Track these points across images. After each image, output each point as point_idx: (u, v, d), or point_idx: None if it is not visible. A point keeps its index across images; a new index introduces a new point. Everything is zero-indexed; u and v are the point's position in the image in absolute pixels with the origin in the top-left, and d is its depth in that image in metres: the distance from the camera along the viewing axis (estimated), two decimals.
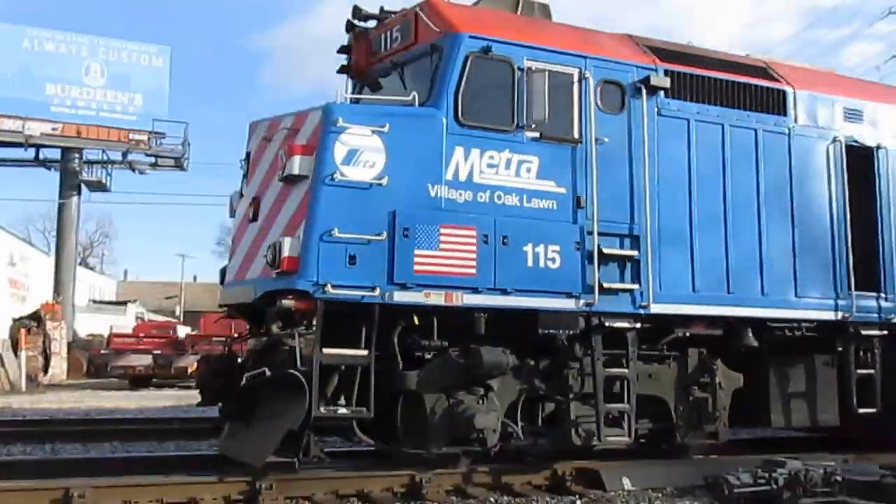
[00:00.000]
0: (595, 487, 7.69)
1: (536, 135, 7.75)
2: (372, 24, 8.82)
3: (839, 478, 7.39)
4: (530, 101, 7.58)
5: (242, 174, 8.24)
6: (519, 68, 7.77)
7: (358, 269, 6.90)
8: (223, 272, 8.33)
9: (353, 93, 8.68)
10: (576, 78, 8.03)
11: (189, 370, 24.23)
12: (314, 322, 6.84)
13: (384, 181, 7.12)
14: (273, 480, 6.85)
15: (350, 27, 8.73)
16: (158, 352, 25.65)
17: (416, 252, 7.07)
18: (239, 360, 8.09)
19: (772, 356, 8.93)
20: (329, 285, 6.75)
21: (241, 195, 8.24)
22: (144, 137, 34.36)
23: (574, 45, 8.25)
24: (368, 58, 8.64)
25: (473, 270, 7.28)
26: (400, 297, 7.01)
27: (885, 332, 9.30)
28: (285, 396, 6.64)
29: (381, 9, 8.71)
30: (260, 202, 7.68)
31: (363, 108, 7.71)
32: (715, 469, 7.78)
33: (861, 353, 9.21)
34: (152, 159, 35.65)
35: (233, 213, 8.56)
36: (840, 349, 9.20)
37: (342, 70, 8.86)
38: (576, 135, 7.95)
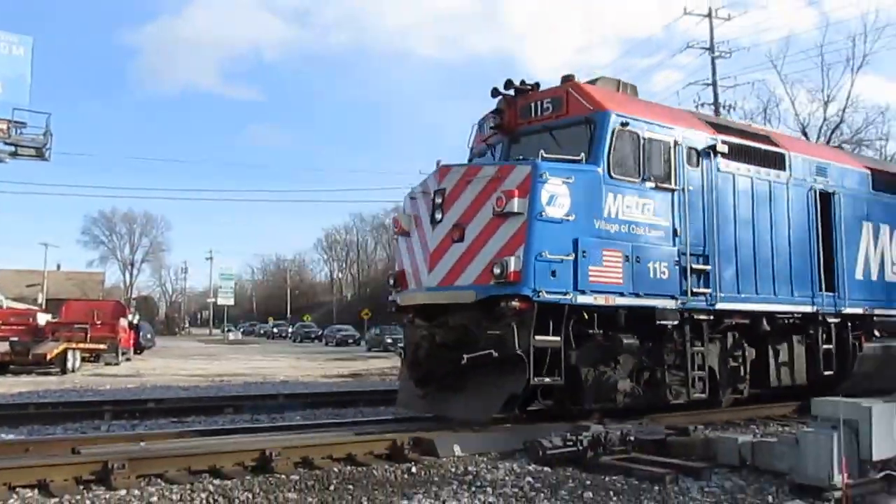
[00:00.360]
0: (430, 455, 8.53)
1: (653, 184, 10.68)
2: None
3: (632, 438, 8.57)
4: (649, 160, 10.65)
5: (437, 203, 10.31)
6: (641, 137, 10.64)
7: (556, 279, 9.49)
8: (394, 278, 11.27)
9: (496, 144, 11.59)
10: (672, 144, 11.00)
11: (48, 356, 23.88)
12: (515, 318, 9.32)
13: (571, 217, 9.74)
14: (125, 459, 7.28)
15: (496, 93, 11.32)
16: (16, 339, 25.03)
17: (590, 268, 9.76)
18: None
19: (770, 337, 12.20)
20: (543, 291, 9.33)
21: (430, 220, 10.40)
22: (4, 126, 32.96)
23: (669, 121, 11.33)
24: (517, 119, 11.22)
25: (620, 280, 10.08)
26: (581, 299, 9.70)
27: (839, 320, 13.14)
28: (510, 370, 9.25)
29: (523, 81, 11.30)
30: (464, 228, 9.94)
31: (557, 165, 9.88)
32: (533, 434, 8.77)
33: (824, 334, 12.88)
34: (12, 148, 34.24)
35: (402, 232, 11.26)
36: (811, 332, 12.78)
37: (495, 128, 11.43)
38: (674, 185, 10.90)
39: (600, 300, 9.89)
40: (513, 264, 9.31)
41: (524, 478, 7.59)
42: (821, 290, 12.86)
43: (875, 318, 13.69)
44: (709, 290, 11.09)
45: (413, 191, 11.34)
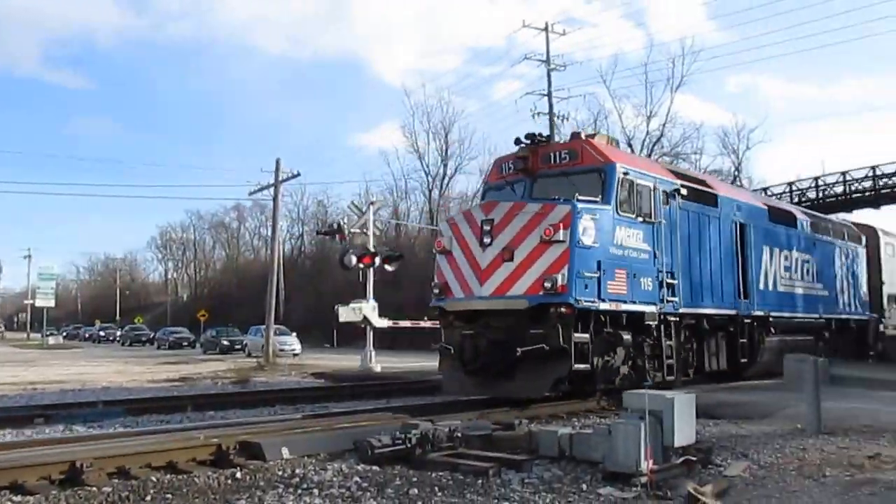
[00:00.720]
0: (257, 459, 8.36)
1: (642, 219, 13.83)
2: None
3: (459, 434, 8.77)
4: (639, 201, 13.79)
5: (486, 230, 13.03)
6: (635, 183, 13.74)
7: (588, 291, 12.46)
8: (438, 288, 13.94)
9: (515, 183, 14.40)
10: (652, 188, 14.21)
11: None
12: (562, 325, 12.26)
13: (596, 245, 12.75)
14: None
15: (519, 142, 14.24)
16: None
17: (608, 283, 12.86)
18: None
19: (706, 334, 15.75)
20: (581, 300, 12.33)
21: (475, 235, 13.20)
22: None
23: (649, 170, 14.82)
24: (539, 164, 14.07)
25: (625, 291, 13.24)
26: (602, 306, 12.76)
27: (750, 320, 17.03)
28: (555, 359, 12.18)
29: (541, 134, 14.72)
30: (514, 251, 12.70)
31: (587, 205, 12.80)
32: (363, 434, 8.80)
33: (740, 331, 16.64)
34: None
35: (444, 251, 13.92)
36: (731, 329, 16.46)
37: (519, 170, 14.26)
38: (654, 219, 14.11)
39: (613, 306, 13.01)
40: (560, 280, 12.22)
41: (352, 478, 7.60)
42: (739, 297, 16.74)
43: (771, 318, 17.85)
44: (676, 299, 14.50)
45: (452, 217, 15.43)
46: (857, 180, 35.91)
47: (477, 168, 67.35)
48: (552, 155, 14.14)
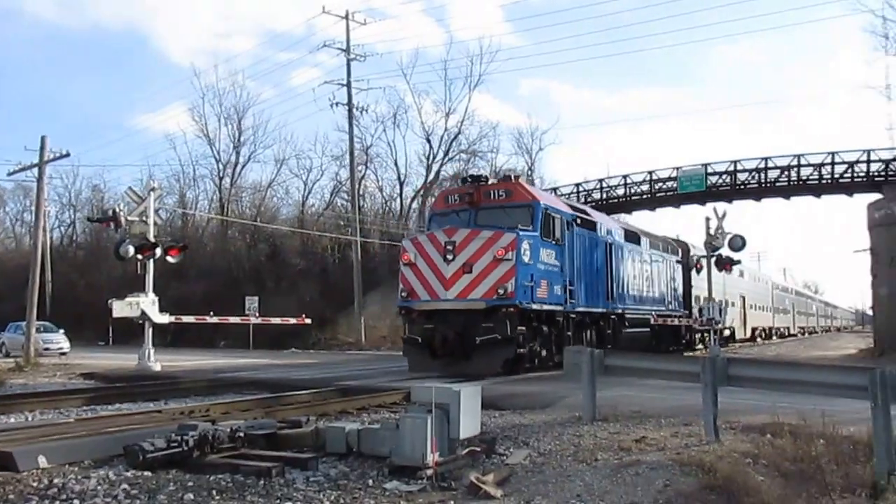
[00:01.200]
0: (8, 470, 7.51)
1: (555, 242, 18.31)
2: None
3: (242, 434, 8.38)
4: (553, 228, 18.34)
5: (449, 249, 17.11)
6: (552, 215, 18.36)
7: (527, 296, 16.78)
8: (406, 292, 17.81)
9: (460, 212, 18.45)
10: (561, 218, 18.75)
11: None
12: (509, 320, 16.51)
13: (531, 262, 17.01)
14: None
15: (465, 181, 19.21)
16: None
17: (537, 290, 17.20)
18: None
19: (588, 326, 20.49)
20: (523, 302, 16.67)
21: (439, 252, 17.24)
22: None
23: (558, 205, 19.62)
24: (481, 199, 18.13)
25: (546, 296, 17.73)
26: (534, 307, 17.17)
27: (614, 317, 22.21)
28: (503, 346, 16.21)
29: (483, 176, 19.56)
30: (472, 266, 16.85)
31: (525, 233, 17.08)
32: (135, 438, 8.18)
33: (608, 324, 21.79)
34: None
35: (409, 262, 17.81)
36: (601, 322, 21.45)
37: (465, 202, 18.21)
38: (562, 242, 18.72)
39: (539, 307, 17.68)
40: (510, 288, 16.62)
41: (119, 485, 7.01)
42: (607, 299, 21.73)
43: (626, 315, 23.15)
44: (574, 301, 19.25)
45: (416, 237, 19.32)
46: (636, 183, 38.59)
47: (272, 157, 66.04)
48: (491, 192, 18.51)
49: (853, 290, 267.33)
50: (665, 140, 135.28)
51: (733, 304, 38.01)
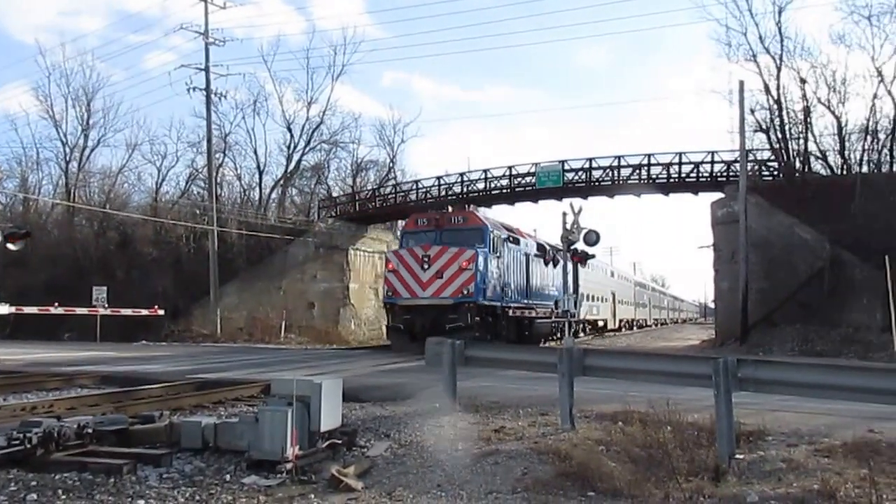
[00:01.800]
0: None
1: (497, 255, 25.16)
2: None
3: (91, 430, 7.99)
4: (495, 245, 25.34)
5: (425, 260, 23.38)
6: (495, 235, 25.52)
7: (482, 295, 23.55)
8: (391, 291, 24.22)
9: (427, 231, 25.59)
10: (500, 238, 25.92)
11: None
12: (469, 312, 23.09)
13: (483, 270, 23.71)
14: None
15: (437, 208, 28.95)
16: None
17: (487, 290, 24.01)
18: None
19: (514, 317, 26.88)
20: (480, 300, 23.45)
21: (417, 262, 23.49)
22: None
23: (499, 229, 26.53)
24: (445, 223, 25.06)
25: (492, 295, 24.63)
26: (485, 303, 23.84)
27: (529, 310, 28.69)
28: (467, 330, 21.39)
29: (449, 207, 27.38)
30: (443, 273, 23.08)
31: (480, 250, 23.64)
32: None
33: (527, 315, 28.34)
34: None
35: (392, 270, 24.20)
36: (526, 313, 28.07)
37: (433, 224, 25.38)
38: (500, 255, 25.56)
39: (489, 303, 23.86)
40: (471, 289, 22.83)
41: None
42: (526, 297, 28.50)
43: (538, 308, 29.45)
44: (507, 298, 25.85)
45: (398, 251, 25.13)
46: (496, 178, 39.22)
47: (123, 140, 62.93)
48: (452, 218, 25.53)
49: (697, 284, 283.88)
50: (524, 137, 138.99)
51: (605, 300, 45.47)
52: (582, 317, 36.88)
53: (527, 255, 29.09)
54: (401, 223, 56.82)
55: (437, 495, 6.65)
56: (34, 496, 6.38)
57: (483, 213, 31.92)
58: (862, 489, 6.22)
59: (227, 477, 7.16)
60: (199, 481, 7.02)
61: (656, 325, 69.70)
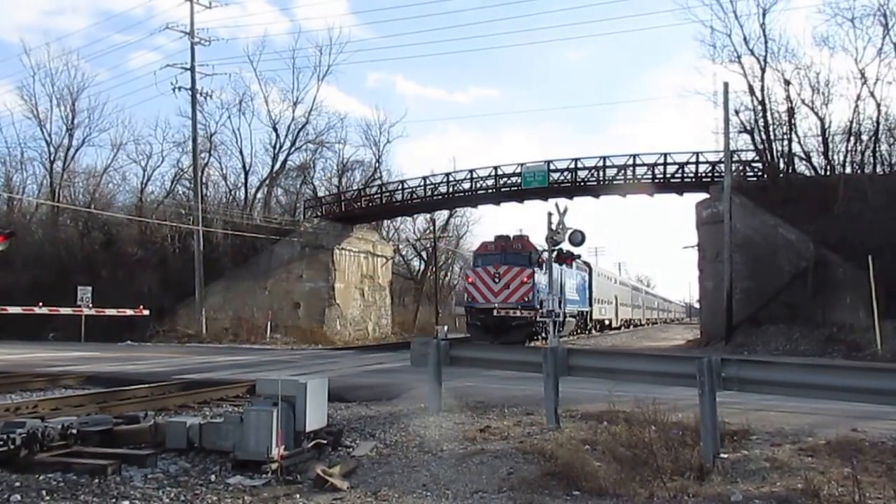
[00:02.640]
0: None
1: (543, 270, 30.62)
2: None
3: (75, 430, 7.94)
4: (541, 262, 30.84)
5: (496, 276, 31.42)
6: (542, 256, 30.16)
7: (538, 303, 31.12)
8: (471, 297, 32.53)
9: (496, 254, 32.63)
10: (546, 256, 27.88)
11: None
12: (531, 313, 31.35)
13: (537, 283, 31.30)
14: None
15: (498, 239, 33.48)
16: None
17: (541, 298, 30.95)
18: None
19: (578, 317, 41.81)
20: (536, 305, 31.16)
21: (490, 277, 31.59)
22: None
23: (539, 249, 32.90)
24: (508, 248, 32.40)
25: (548, 302, 29.54)
26: (537, 305, 31.21)
27: (564, 311, 34.36)
28: (527, 326, 31.28)
29: (507, 235, 33.46)
30: (509, 285, 31.16)
31: (535, 269, 31.38)
32: None
33: (588, 317, 45.00)
34: None
35: (472, 282, 32.68)
36: (581, 315, 43.24)
37: (498, 249, 32.56)
38: (544, 270, 30.56)
39: (539, 305, 30.79)
40: (530, 297, 30.65)
41: None
42: (560, 303, 31.00)
43: (567, 310, 34.21)
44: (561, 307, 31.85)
45: (476, 269, 32.49)
46: (482, 178, 39.21)
47: (108, 140, 62.57)
48: (513, 244, 32.26)
49: (682, 284, 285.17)
50: (508, 138, 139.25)
51: (611, 303, 54.09)
52: (596, 316, 47.39)
53: (561, 270, 33.20)
54: (387, 223, 57.70)
55: (423, 495, 6.65)
56: (18, 497, 6.34)
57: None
58: (845, 488, 6.27)
59: (212, 477, 7.14)
60: (184, 482, 7.00)
61: (648, 323, 74.87)
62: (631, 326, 62.44)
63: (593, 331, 46.08)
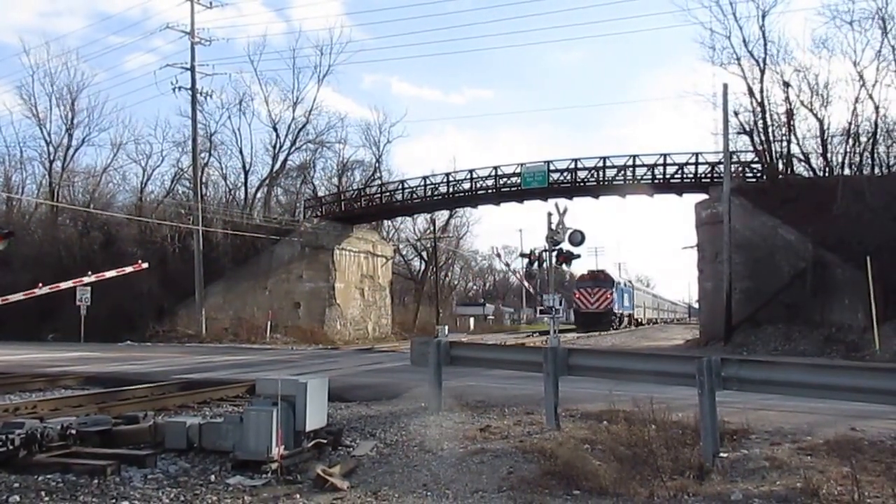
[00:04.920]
0: None
1: (616, 289, 59.85)
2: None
3: (74, 431, 7.94)
4: (617, 284, 61.60)
5: (592, 292, 55.94)
6: (616, 280, 61.18)
7: (618, 307, 58.50)
8: (577, 303, 58.30)
9: (590, 280, 58.50)
10: (622, 282, 65.73)
11: None
12: (612, 314, 57.27)
13: (616, 298, 57.31)
14: None
15: (590, 272, 61.20)
16: None
17: (615, 305, 57.74)
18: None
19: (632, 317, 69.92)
20: (616, 309, 57.75)
21: (588, 294, 56.18)
22: None
23: (617, 277, 66.83)
24: (598, 277, 58.10)
25: (618, 307, 61.14)
26: (617, 311, 58.91)
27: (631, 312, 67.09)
28: (613, 321, 56.55)
29: (595, 270, 62.69)
30: (598, 297, 55.56)
31: (613, 288, 56.92)
32: None
33: (624, 314, 66.38)
34: None
35: (578, 295, 57.62)
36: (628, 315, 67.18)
37: (589, 278, 57.98)
38: (618, 289, 61.87)
39: (619, 311, 58.82)
40: (612, 305, 55.68)
41: None
42: (621, 306, 60.18)
43: (624, 310, 62.31)
44: (621, 307, 59.69)
45: (578, 288, 57.76)
46: (482, 178, 39.20)
47: (108, 140, 62.47)
48: (598, 275, 57.10)
49: (681, 284, 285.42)
50: (505, 138, 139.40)
51: (639, 307, 70.35)
52: (636, 316, 66.85)
53: (623, 289, 59.45)
54: (387, 223, 57.90)
55: (423, 494, 6.65)
56: (17, 498, 6.34)
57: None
58: (844, 487, 6.27)
59: (212, 477, 7.14)
60: (184, 482, 7.00)
61: (658, 322, 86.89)
62: (648, 323, 78.54)
63: (630, 325, 64.40)
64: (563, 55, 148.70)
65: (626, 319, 61.53)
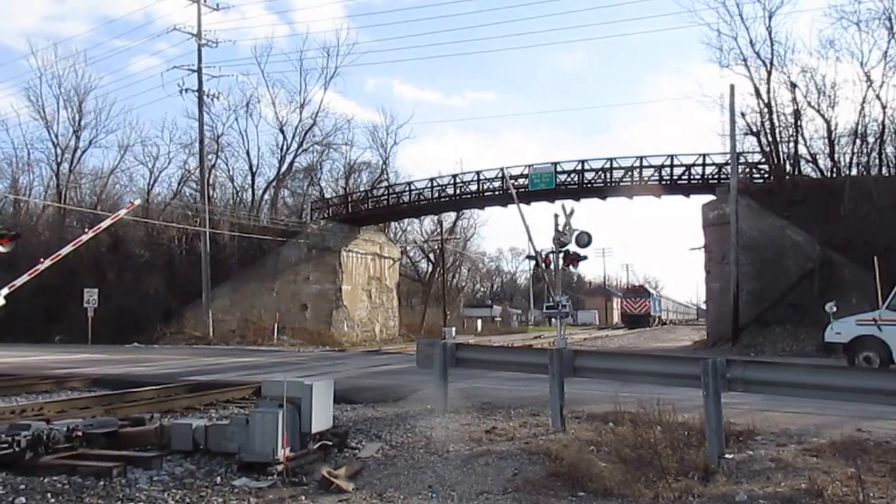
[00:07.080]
0: None
1: (650, 298, 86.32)
2: None
3: (80, 433, 7.96)
4: (650, 295, 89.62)
5: (634, 301, 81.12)
6: (651, 292, 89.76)
7: (650, 310, 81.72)
8: (624, 309, 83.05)
9: (632, 292, 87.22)
10: (650, 292, 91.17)
11: None
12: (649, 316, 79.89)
13: (652, 305, 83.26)
14: None
15: (632, 286, 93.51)
16: None
17: (651, 309, 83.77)
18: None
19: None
20: (652, 312, 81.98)
21: (632, 301, 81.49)
22: None
23: (651, 291, 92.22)
24: (638, 291, 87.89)
25: (653, 311, 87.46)
26: (652, 312, 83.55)
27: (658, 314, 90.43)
28: (647, 322, 78.19)
29: (635, 285, 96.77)
30: (639, 303, 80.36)
31: (649, 298, 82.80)
32: None
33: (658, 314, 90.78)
34: None
35: (624, 307, 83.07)
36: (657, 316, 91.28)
37: (632, 292, 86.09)
38: (652, 298, 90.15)
39: (656, 314, 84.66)
40: (649, 309, 79.34)
41: None
42: (655, 310, 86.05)
43: (659, 312, 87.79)
44: (656, 310, 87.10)
45: (623, 298, 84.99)
46: (489, 180, 39.20)
47: (116, 142, 62.64)
48: (638, 289, 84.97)
49: (689, 286, 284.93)
50: (509, 139, 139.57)
51: (665, 311, 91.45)
52: (663, 317, 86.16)
53: (654, 298, 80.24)
54: (394, 225, 57.87)
55: (428, 496, 6.66)
56: (23, 499, 6.36)
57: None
58: (849, 488, 6.25)
59: (218, 479, 7.15)
60: (190, 484, 7.01)
61: (673, 322, 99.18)
62: (669, 323, 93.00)
63: (661, 323, 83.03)
64: (566, 57, 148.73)
65: (657, 319, 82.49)
